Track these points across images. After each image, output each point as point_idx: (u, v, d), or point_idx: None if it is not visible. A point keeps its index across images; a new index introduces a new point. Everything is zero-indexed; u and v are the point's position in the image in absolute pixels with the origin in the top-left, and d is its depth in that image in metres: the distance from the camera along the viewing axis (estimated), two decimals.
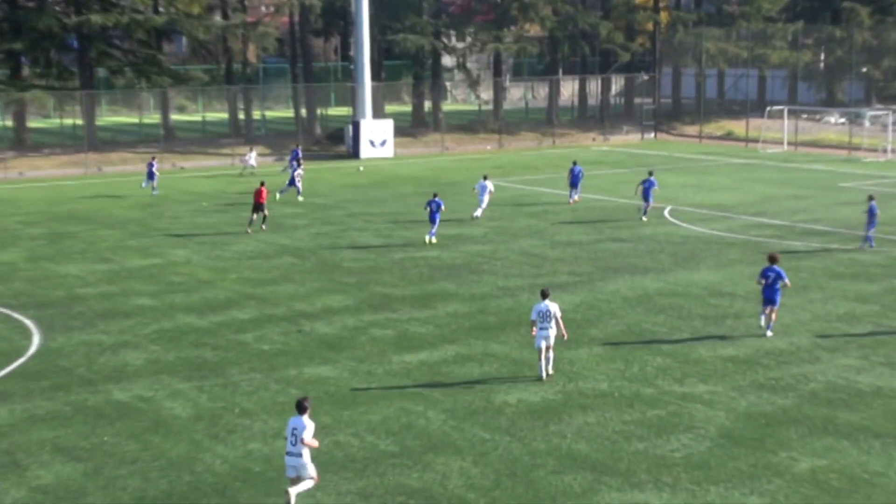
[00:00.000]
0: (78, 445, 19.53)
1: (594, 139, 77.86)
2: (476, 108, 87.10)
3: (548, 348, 23.03)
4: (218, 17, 72.56)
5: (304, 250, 37.25)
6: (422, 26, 74.13)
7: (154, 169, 51.11)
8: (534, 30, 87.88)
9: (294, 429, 16.66)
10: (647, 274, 33.32)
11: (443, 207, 38.36)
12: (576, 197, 47.32)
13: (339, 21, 79.36)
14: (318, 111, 76.30)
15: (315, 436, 16.89)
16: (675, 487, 17.73)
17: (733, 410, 21.21)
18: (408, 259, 35.63)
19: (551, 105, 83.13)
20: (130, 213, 45.45)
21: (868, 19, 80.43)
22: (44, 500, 17.40)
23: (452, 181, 54.71)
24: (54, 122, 73.89)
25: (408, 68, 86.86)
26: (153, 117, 78.58)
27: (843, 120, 78.69)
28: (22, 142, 66.89)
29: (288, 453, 16.80)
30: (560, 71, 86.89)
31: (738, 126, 78.67)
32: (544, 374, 23.01)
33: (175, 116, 77.95)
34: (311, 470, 16.83)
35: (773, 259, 26.42)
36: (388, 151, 67.33)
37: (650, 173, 44.02)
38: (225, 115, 75.91)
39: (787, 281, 26.18)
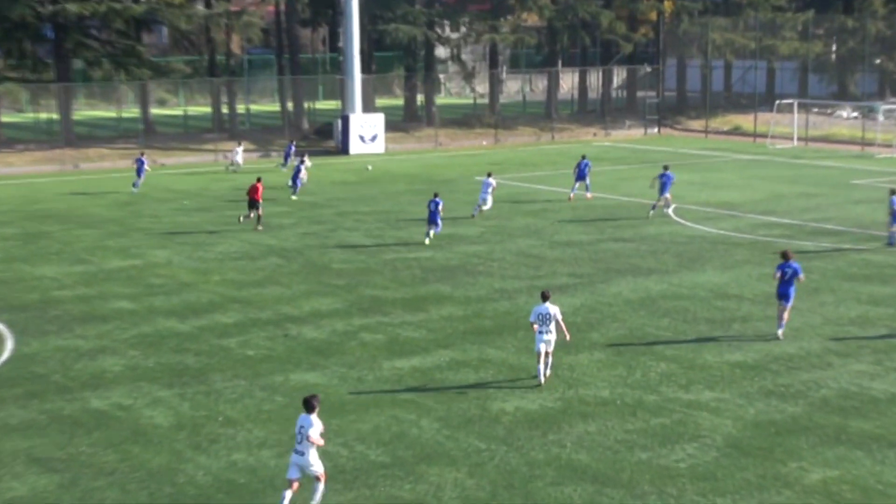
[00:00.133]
0: (53, 456, 19.50)
1: (595, 134, 77.88)
2: (471, 101, 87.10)
3: (547, 353, 23.10)
4: (200, 7, 72.41)
5: (291, 251, 37.23)
6: (414, 16, 74.10)
7: (146, 166, 51.20)
8: (532, 19, 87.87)
9: (301, 427, 16.96)
10: (651, 275, 33.35)
11: (440, 207, 38.37)
12: (588, 195, 47.49)
13: (328, 10, 79.25)
14: (306, 105, 76.22)
15: (323, 435, 17.07)
16: (680, 499, 17.74)
17: (741, 418, 21.23)
18: (400, 260, 35.62)
19: (550, 98, 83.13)
20: (108, 212, 45.40)
21: (882, 8, 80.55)
22: None
23: (447, 178, 54.72)
24: (28, 117, 73.83)
25: (399, 60, 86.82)
26: (132, 111, 78.46)
27: (855, 114, 78.79)
28: None
29: (294, 451, 17.10)
30: (559, 63, 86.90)
31: (745, 120, 78.74)
32: (542, 379, 23.07)
33: (155, 110, 77.79)
34: (318, 467, 17.04)
35: (786, 255, 26.78)
36: (378, 147, 67.30)
37: (666, 167, 44.20)
38: (208, 109, 75.86)
39: (801, 276, 26.48)
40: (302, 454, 16.93)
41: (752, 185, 52.70)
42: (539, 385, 23.07)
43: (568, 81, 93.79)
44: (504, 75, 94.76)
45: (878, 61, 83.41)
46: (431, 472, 18.78)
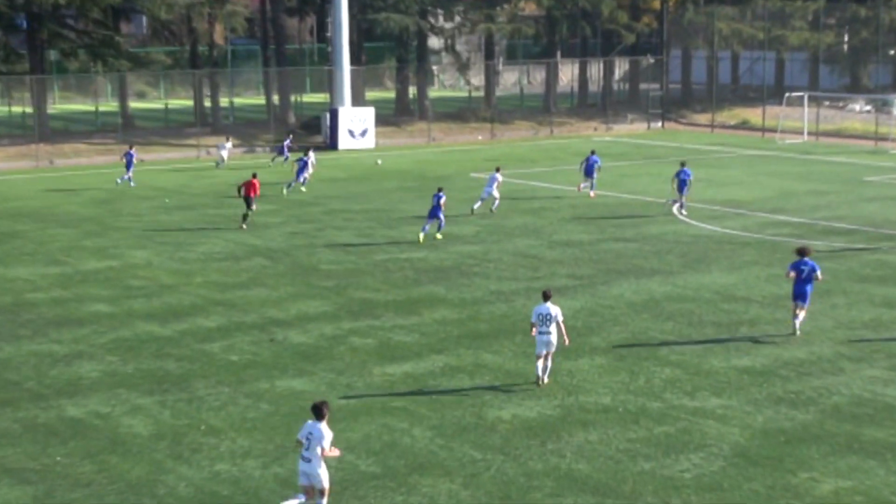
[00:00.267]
0: (27, 467, 19.48)
1: (595, 129, 77.94)
2: (466, 94, 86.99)
3: (547, 355, 23.15)
4: None
5: (278, 251, 37.23)
6: (406, 4, 74.09)
7: (134, 159, 51.20)
8: (529, 8, 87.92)
9: (310, 434, 16.92)
10: (654, 277, 33.38)
11: (442, 201, 38.45)
12: (592, 193, 47.55)
13: None
14: (292, 98, 76.21)
15: (333, 443, 17.04)
16: None
17: (749, 427, 21.25)
18: (391, 260, 35.63)
19: (548, 91, 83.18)
20: (85, 211, 45.36)
21: None
22: None
23: (440, 175, 54.72)
24: (1, 111, 73.66)
25: (391, 51, 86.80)
26: (110, 105, 78.41)
27: (868, 107, 78.89)
28: None
29: (301, 458, 17.04)
30: (558, 54, 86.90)
31: (753, 114, 78.82)
32: (540, 374, 23.24)
33: (134, 104, 77.72)
34: (324, 480, 17.00)
35: (803, 252, 26.82)
36: (368, 142, 67.28)
37: (683, 164, 44.31)
38: (189, 103, 75.72)
39: (819, 274, 26.55)
40: (309, 461, 16.89)
41: (760, 181, 52.77)
42: (538, 385, 23.14)
43: (567, 73, 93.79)
44: (500, 67, 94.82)
45: (892, 52, 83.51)
46: (424, 483, 18.78)
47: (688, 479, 18.91)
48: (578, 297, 30.90)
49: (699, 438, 20.66)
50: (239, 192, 41.24)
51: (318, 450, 16.83)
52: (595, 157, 48.03)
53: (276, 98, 74.69)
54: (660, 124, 79.85)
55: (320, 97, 78.56)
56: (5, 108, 71.79)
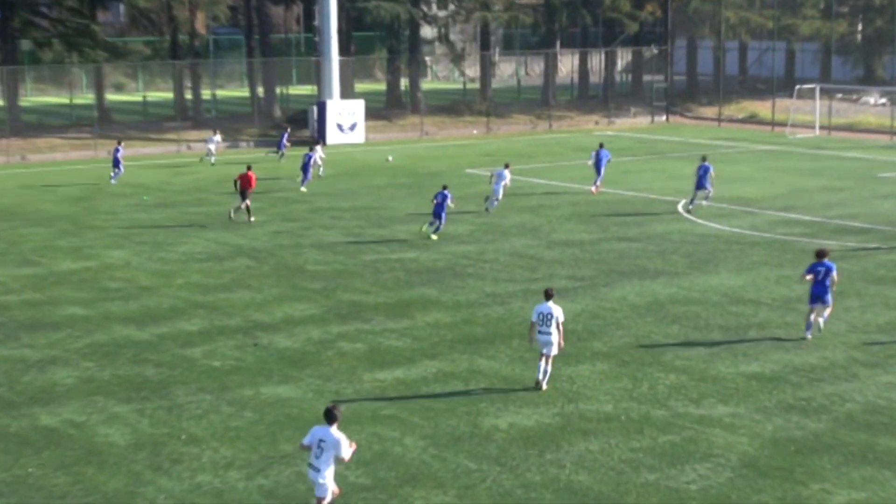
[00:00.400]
0: None
1: (597, 123, 78.02)
2: (460, 86, 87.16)
3: (547, 359, 23.17)
4: None
5: (262, 251, 37.21)
6: None
7: (119, 155, 51.20)
8: None
9: (321, 441, 16.76)
10: (658, 278, 33.40)
11: (448, 200, 38.53)
12: (593, 188, 47.67)
13: None
14: (278, 90, 76.21)
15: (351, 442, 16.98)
16: None
17: (758, 436, 21.26)
18: (381, 261, 35.63)
19: (547, 83, 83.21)
20: (60, 209, 45.33)
21: None
22: None
23: (433, 171, 54.74)
24: None
25: (381, 40, 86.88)
26: (86, 97, 78.34)
27: (883, 100, 79.01)
28: None
29: (309, 465, 16.94)
30: (557, 44, 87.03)
31: (762, 107, 78.94)
32: (541, 379, 23.27)
33: (111, 96, 77.74)
34: (328, 493, 16.93)
35: (822, 254, 27.01)
36: (358, 137, 67.31)
37: (704, 158, 44.43)
38: (169, 95, 75.75)
39: (835, 275, 26.63)
40: (318, 470, 16.80)
41: (769, 178, 52.82)
42: (537, 386, 23.19)
43: (567, 64, 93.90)
44: (497, 58, 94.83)
45: None
46: (416, 495, 18.76)
47: (694, 490, 18.91)
48: (579, 299, 30.90)
49: (706, 448, 20.66)
50: (235, 185, 41.58)
51: (331, 458, 16.69)
52: (605, 151, 48.26)
53: (260, 90, 74.67)
54: (664, 118, 79.95)
55: (307, 89, 78.57)
56: None
